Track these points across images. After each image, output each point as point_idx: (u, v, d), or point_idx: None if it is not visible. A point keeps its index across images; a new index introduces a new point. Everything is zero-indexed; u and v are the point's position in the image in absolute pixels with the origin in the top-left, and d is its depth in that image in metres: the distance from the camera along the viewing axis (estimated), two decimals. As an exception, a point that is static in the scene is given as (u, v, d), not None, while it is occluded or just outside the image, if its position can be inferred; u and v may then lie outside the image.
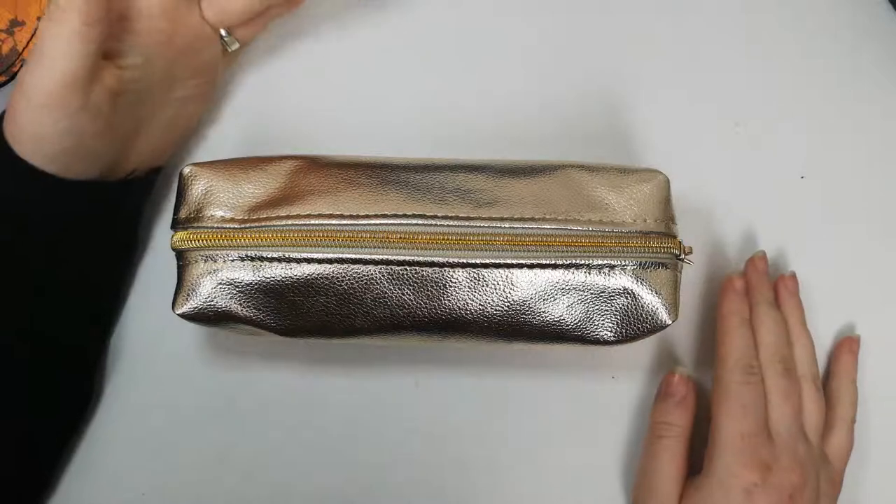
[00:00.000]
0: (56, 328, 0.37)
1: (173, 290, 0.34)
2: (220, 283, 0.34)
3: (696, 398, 0.38)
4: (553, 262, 0.33)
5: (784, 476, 0.34)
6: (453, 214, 0.34)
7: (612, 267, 0.33)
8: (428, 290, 0.33)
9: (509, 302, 0.33)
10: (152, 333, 0.41)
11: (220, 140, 0.44)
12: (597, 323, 0.34)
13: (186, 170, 0.35)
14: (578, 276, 0.33)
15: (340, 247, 0.33)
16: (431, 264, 0.33)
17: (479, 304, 0.33)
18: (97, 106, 0.34)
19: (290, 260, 0.33)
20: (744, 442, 0.35)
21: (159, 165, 0.41)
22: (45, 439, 0.38)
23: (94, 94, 0.34)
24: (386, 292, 0.33)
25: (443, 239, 0.33)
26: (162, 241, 0.42)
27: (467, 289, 0.33)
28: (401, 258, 0.33)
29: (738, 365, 0.37)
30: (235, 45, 0.40)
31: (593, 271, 0.33)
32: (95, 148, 0.35)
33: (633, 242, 0.33)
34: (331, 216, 0.34)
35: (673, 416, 0.38)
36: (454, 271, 0.33)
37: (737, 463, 0.35)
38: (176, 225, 0.35)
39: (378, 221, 0.34)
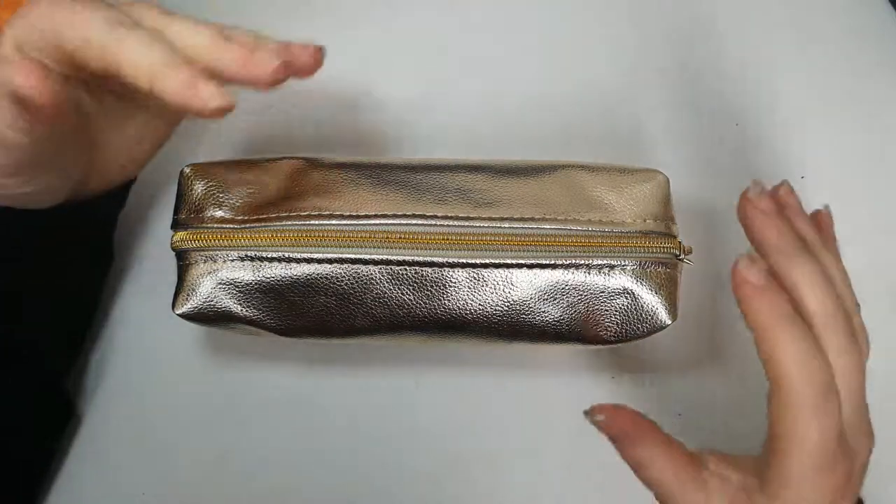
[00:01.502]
0: (28, 341, 0.36)
1: (173, 290, 0.34)
2: (220, 283, 0.34)
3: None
4: (553, 262, 0.33)
5: (861, 457, 0.30)
6: (453, 214, 0.34)
7: (611, 267, 0.33)
8: (428, 290, 0.33)
9: (509, 302, 0.33)
10: (152, 333, 0.41)
11: (220, 140, 0.44)
12: (597, 323, 0.34)
13: (186, 170, 0.35)
14: (578, 276, 0.33)
15: (340, 247, 0.33)
16: (431, 264, 0.33)
17: (479, 304, 0.33)
18: (48, 162, 0.32)
19: (290, 260, 0.33)
20: (822, 471, 0.28)
21: (132, 178, 0.39)
22: (23, 455, 0.37)
23: (40, 163, 0.32)
24: (386, 292, 0.34)
25: (443, 239, 0.33)
26: (162, 241, 0.42)
27: (467, 289, 0.33)
28: (401, 258, 0.33)
29: (818, 383, 0.28)
30: None
31: (593, 271, 0.33)
32: (55, 185, 0.33)
33: (632, 242, 0.33)
34: (331, 216, 0.34)
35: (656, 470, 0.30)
36: (454, 271, 0.33)
37: (826, 488, 0.28)
38: (176, 225, 0.35)
39: (378, 221, 0.34)
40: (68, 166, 0.34)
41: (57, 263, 0.36)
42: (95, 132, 0.35)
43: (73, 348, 0.40)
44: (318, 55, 0.32)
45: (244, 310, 0.34)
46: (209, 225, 0.34)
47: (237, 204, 0.34)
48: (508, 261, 0.33)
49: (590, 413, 0.31)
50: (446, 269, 0.33)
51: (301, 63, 0.31)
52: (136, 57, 0.28)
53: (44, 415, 0.38)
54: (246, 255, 0.34)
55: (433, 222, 0.34)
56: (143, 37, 0.29)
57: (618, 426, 0.30)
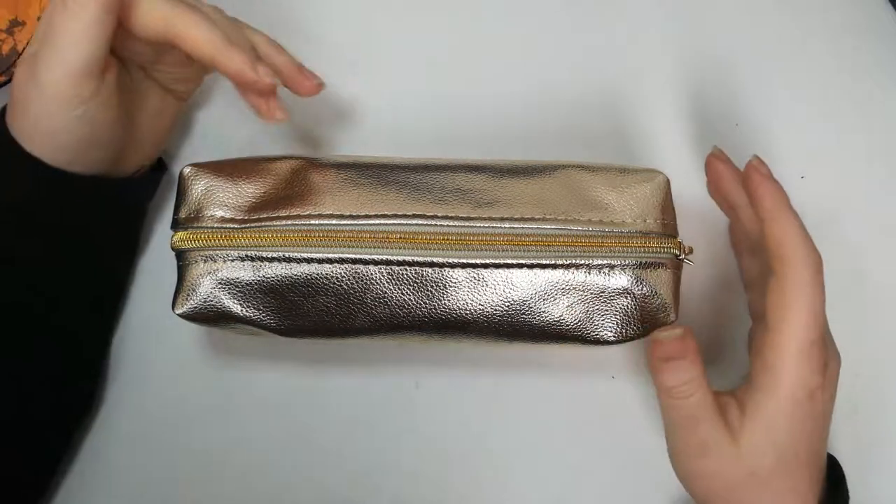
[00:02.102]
0: (58, 325, 0.37)
1: (173, 290, 0.34)
2: (220, 283, 0.34)
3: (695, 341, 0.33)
4: (553, 262, 0.33)
5: (833, 366, 0.33)
6: (453, 214, 0.34)
7: (612, 267, 0.33)
8: (428, 290, 0.33)
9: (509, 302, 0.33)
10: (152, 333, 0.41)
11: (221, 140, 0.44)
12: (597, 323, 0.34)
13: (186, 170, 0.35)
14: (578, 276, 0.33)
15: (340, 247, 0.33)
16: (431, 264, 0.33)
17: (479, 304, 0.33)
18: (107, 94, 0.34)
19: (290, 260, 0.33)
20: (812, 349, 0.31)
21: (159, 164, 0.41)
22: (50, 435, 0.38)
23: (105, 82, 0.34)
24: (386, 292, 0.33)
25: (443, 239, 0.33)
26: (162, 241, 0.42)
27: (467, 289, 0.33)
28: (401, 258, 0.33)
29: (813, 263, 0.32)
30: None
31: (593, 271, 0.33)
32: (104, 138, 0.35)
33: (633, 242, 0.33)
34: (331, 216, 0.34)
35: (687, 372, 0.32)
36: (454, 271, 0.33)
37: (807, 371, 0.31)
38: (176, 225, 0.35)
39: (378, 221, 0.34)
40: (120, 126, 0.36)
41: (90, 244, 0.38)
42: (129, 105, 0.37)
43: (104, 333, 0.40)
44: (317, 89, 0.39)
45: (244, 310, 0.34)
46: (209, 225, 0.34)
47: (237, 204, 0.34)
48: (509, 261, 0.33)
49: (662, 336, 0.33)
50: (446, 269, 0.33)
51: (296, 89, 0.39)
52: (199, 33, 0.33)
53: (71, 398, 0.39)
54: (246, 255, 0.34)
55: (433, 222, 0.34)
56: (204, 16, 0.34)
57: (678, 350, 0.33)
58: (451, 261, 0.33)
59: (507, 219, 0.34)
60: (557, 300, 0.34)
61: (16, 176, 0.35)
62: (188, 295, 0.34)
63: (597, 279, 0.33)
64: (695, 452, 0.33)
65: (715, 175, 0.37)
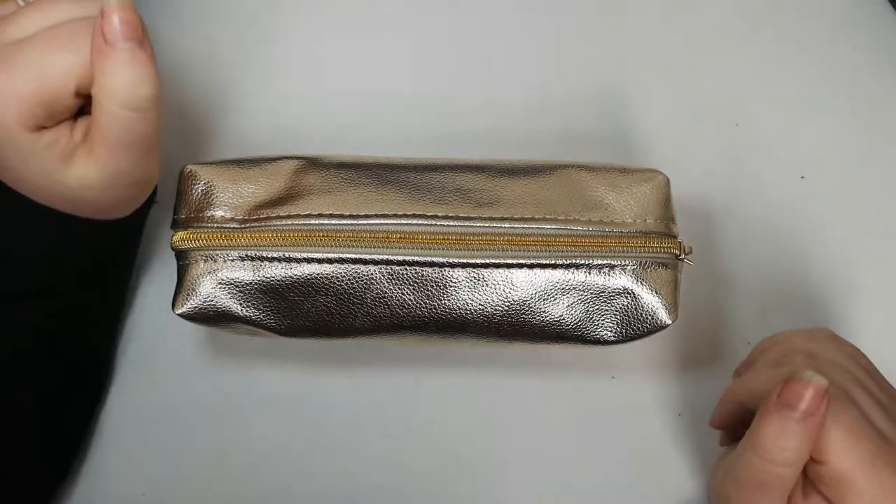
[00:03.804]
0: (69, 329, 0.37)
1: (173, 290, 0.34)
2: (220, 283, 0.34)
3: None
4: (553, 262, 0.33)
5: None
6: (453, 214, 0.34)
7: (612, 267, 0.33)
8: (428, 290, 0.33)
9: (509, 302, 0.33)
10: (152, 333, 0.41)
11: (221, 140, 0.44)
12: (597, 323, 0.34)
13: (186, 170, 0.35)
14: (578, 276, 0.33)
15: (340, 247, 0.33)
16: (431, 264, 0.33)
17: (479, 304, 0.33)
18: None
19: (290, 260, 0.33)
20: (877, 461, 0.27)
21: None
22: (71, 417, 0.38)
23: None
24: (386, 292, 0.33)
25: (443, 239, 0.33)
26: (162, 241, 0.42)
27: (467, 289, 0.33)
28: (401, 258, 0.33)
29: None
30: None
31: (593, 271, 0.33)
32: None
33: (633, 242, 0.33)
34: (331, 216, 0.34)
35: (796, 440, 0.27)
36: (454, 271, 0.33)
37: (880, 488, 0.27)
38: (176, 225, 0.35)
39: (378, 221, 0.34)
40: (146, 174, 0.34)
41: (102, 261, 0.37)
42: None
43: (111, 333, 0.40)
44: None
45: (244, 310, 0.34)
46: (209, 225, 0.34)
47: (237, 204, 0.34)
48: (509, 261, 0.33)
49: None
50: (446, 268, 0.33)
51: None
52: None
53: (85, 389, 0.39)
54: (246, 255, 0.34)
55: (433, 222, 0.34)
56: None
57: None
58: (451, 261, 0.33)
59: (507, 219, 0.34)
60: (557, 300, 0.34)
61: (46, 229, 0.34)
62: (188, 295, 0.34)
63: (597, 279, 0.33)
64: None
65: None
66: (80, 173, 0.31)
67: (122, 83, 0.29)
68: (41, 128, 0.30)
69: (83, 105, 0.31)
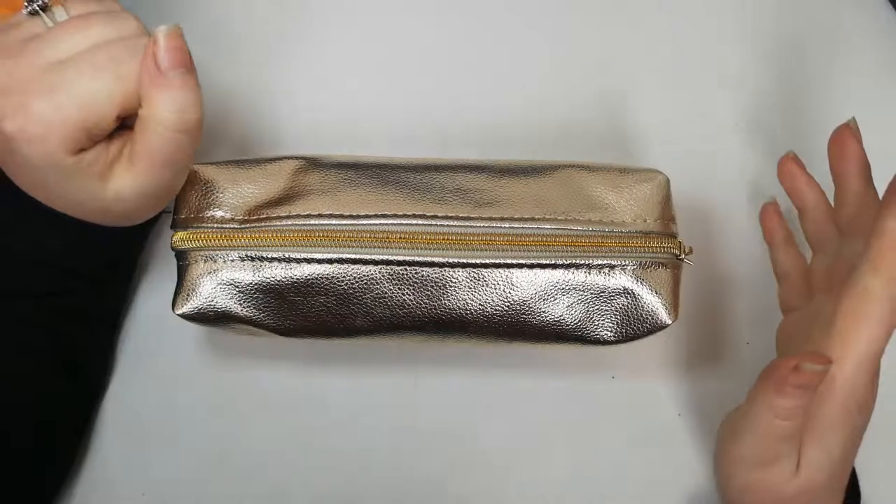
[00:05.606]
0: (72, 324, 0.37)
1: (173, 290, 0.34)
2: (220, 283, 0.34)
3: None
4: (553, 262, 0.33)
5: (877, 381, 0.32)
6: (453, 214, 0.34)
7: (612, 267, 0.33)
8: (428, 290, 0.33)
9: (509, 302, 0.33)
10: (152, 333, 0.41)
11: (221, 140, 0.44)
12: (597, 323, 0.34)
13: (186, 170, 0.35)
14: (578, 276, 0.33)
15: (340, 247, 0.33)
16: (431, 264, 0.33)
17: (479, 304, 0.33)
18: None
19: (290, 260, 0.33)
20: (873, 361, 0.31)
21: None
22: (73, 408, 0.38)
23: None
24: (386, 292, 0.34)
25: (443, 239, 0.33)
26: (162, 241, 0.42)
27: (467, 289, 0.33)
28: (401, 258, 0.33)
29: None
30: None
31: (593, 271, 0.33)
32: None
33: (633, 242, 0.33)
34: (331, 216, 0.34)
35: (805, 399, 0.31)
36: (454, 271, 0.33)
37: (862, 384, 0.31)
38: (176, 225, 0.35)
39: (378, 221, 0.34)
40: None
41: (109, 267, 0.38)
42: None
43: (112, 328, 0.41)
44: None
45: (244, 310, 0.34)
46: (209, 225, 0.34)
47: (237, 204, 0.34)
48: (508, 261, 0.33)
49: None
50: (446, 269, 0.33)
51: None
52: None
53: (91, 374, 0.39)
54: (246, 256, 0.34)
55: (433, 222, 0.34)
56: None
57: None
58: (451, 261, 0.33)
59: (507, 219, 0.34)
60: (557, 300, 0.34)
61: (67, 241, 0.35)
62: (188, 295, 0.34)
63: (597, 279, 0.33)
64: (764, 462, 0.32)
65: (790, 177, 0.39)
66: (117, 187, 0.32)
67: (174, 108, 0.31)
68: (81, 150, 0.31)
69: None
